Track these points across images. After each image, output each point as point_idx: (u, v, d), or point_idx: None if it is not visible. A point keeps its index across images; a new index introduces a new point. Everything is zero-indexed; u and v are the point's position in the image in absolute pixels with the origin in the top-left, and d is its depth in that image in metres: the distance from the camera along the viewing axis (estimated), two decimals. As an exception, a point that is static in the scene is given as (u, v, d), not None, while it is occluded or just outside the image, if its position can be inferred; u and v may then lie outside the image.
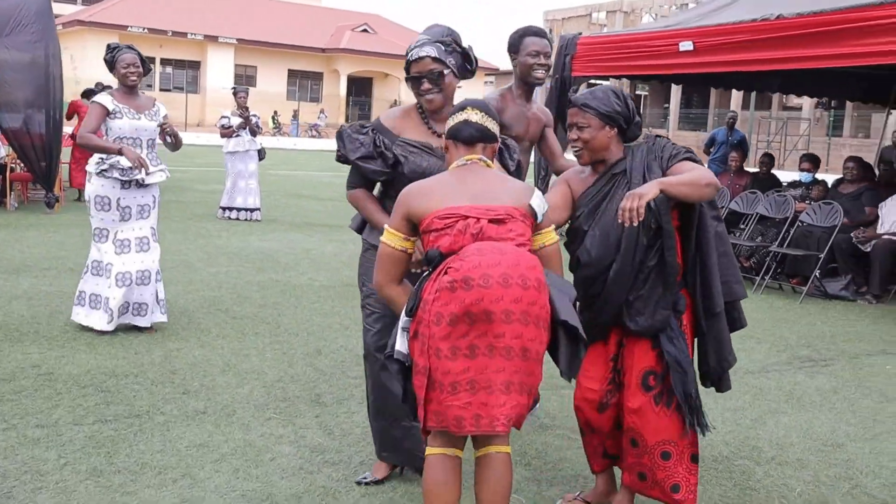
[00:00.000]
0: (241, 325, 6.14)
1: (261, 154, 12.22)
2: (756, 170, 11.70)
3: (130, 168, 5.50)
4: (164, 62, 45.08)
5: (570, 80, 12.20)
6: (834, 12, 8.35)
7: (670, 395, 3.24)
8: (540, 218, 2.93)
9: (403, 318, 2.86)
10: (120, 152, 5.44)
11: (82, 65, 37.40)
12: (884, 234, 8.75)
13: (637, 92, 49.45)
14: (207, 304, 6.71)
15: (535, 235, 2.94)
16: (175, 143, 5.87)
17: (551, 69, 9.41)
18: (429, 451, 2.85)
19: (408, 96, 42.95)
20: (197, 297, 6.92)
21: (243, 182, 12.02)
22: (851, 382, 5.63)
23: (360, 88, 49.51)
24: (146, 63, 5.77)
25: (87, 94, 14.40)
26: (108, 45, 5.78)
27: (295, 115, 44.47)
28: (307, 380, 4.98)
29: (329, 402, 4.64)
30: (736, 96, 37.58)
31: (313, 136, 41.87)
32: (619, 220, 3.01)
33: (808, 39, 8.69)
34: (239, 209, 12.04)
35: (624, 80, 24.83)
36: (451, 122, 3.04)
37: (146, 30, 42.59)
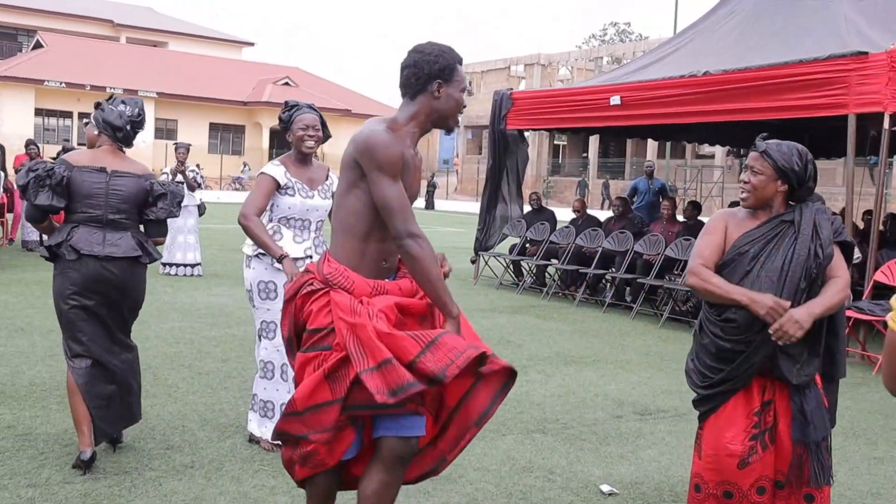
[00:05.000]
0: (208, 380, 6.19)
1: (201, 209, 12.26)
2: (684, 219, 12.21)
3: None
4: (83, 116, 44.44)
5: (505, 132, 12.67)
6: (757, 69, 8.92)
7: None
8: None
9: None
10: (280, 260, 4.50)
11: (-1, 120, 36.67)
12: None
13: (555, 142, 50.67)
14: (169, 360, 6.74)
15: None
16: None
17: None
18: None
19: (331, 147, 41.95)
20: (156, 352, 6.94)
21: (182, 237, 12.04)
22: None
23: (282, 141, 48.99)
24: (327, 127, 4.89)
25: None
26: (287, 103, 4.90)
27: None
28: (285, 432, 5.07)
29: (312, 452, 4.75)
30: (651, 145, 38.90)
31: (236, 189, 41.61)
32: (773, 337, 3.19)
33: (730, 94, 9.22)
34: (179, 265, 12.05)
35: (542, 132, 25.63)
36: None
37: (63, 84, 42.01)
